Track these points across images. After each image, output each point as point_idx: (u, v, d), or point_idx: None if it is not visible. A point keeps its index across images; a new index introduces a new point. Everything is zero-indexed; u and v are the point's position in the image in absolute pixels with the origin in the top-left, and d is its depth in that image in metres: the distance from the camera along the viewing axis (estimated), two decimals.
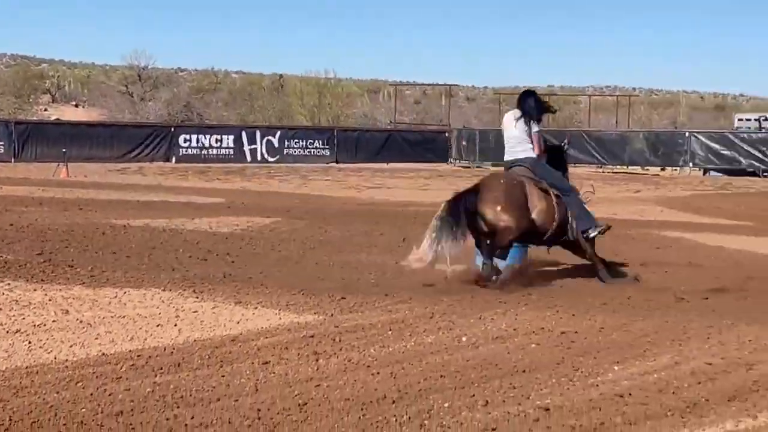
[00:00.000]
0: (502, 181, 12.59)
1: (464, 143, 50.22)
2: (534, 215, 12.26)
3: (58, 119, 58.17)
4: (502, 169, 13.43)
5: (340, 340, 8.52)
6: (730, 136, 45.06)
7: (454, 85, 76.54)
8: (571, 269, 13.28)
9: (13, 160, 40.26)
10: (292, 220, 19.09)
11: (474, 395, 6.86)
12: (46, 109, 72.56)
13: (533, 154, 12.80)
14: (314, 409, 6.47)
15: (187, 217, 18.94)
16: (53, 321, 9.07)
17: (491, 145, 48.05)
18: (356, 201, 25.42)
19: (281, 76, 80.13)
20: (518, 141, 12.89)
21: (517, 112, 12.93)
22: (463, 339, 8.71)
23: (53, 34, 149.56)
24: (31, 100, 68.97)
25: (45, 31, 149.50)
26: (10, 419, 6.08)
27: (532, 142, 12.83)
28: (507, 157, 13.03)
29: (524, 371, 7.60)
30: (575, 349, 8.42)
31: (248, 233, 16.86)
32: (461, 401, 6.71)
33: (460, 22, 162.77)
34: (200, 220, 18.63)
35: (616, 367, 7.79)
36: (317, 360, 7.81)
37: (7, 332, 8.54)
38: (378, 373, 7.45)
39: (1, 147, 40.79)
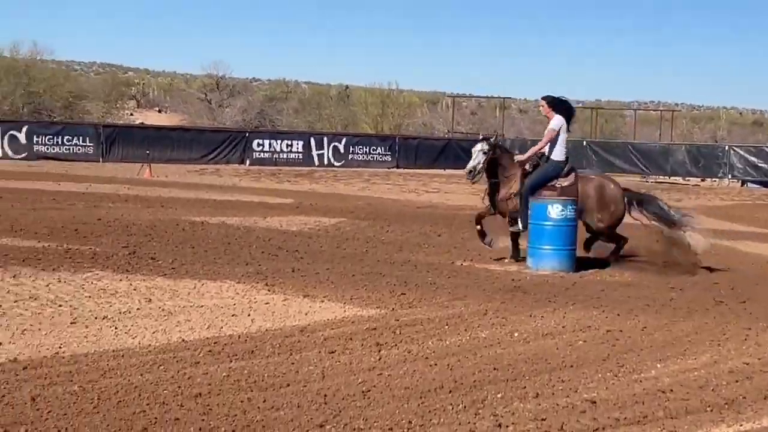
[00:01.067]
0: None
1: (517, 152, 49.99)
2: None
3: (142, 123, 58.63)
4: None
5: (400, 333, 8.53)
6: None
7: (508, 97, 76.31)
8: (616, 272, 13.20)
9: (101, 160, 40.58)
10: (355, 220, 19.10)
11: (525, 387, 6.84)
12: (131, 114, 73.20)
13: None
14: (377, 396, 6.48)
15: (260, 216, 19.02)
16: (137, 309, 9.18)
17: None
18: (415, 204, 25.38)
19: (347, 87, 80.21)
20: None
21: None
22: (515, 335, 8.69)
23: (139, 44, 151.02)
24: (118, 105, 69.47)
25: (132, 42, 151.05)
26: (99, 398, 6.14)
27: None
28: (565, 156, 14.10)
29: (572, 366, 7.57)
30: (619, 346, 8.37)
31: (315, 232, 16.91)
32: (513, 392, 6.70)
33: (515, 40, 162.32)
34: (272, 218, 18.70)
35: (658, 365, 7.73)
36: (379, 351, 7.83)
37: (96, 318, 8.64)
38: (435, 364, 7.45)
39: (91, 148, 41.13)
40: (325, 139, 46.67)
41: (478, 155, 14.12)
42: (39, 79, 57.60)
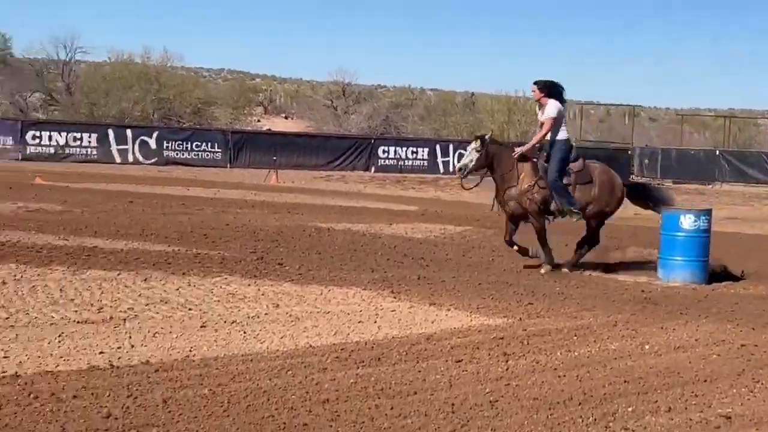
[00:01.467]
0: None
1: (646, 161, 49.29)
2: None
3: (269, 129, 59.32)
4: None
5: (528, 343, 8.48)
6: None
7: (638, 105, 75.24)
8: (750, 285, 12.90)
9: (228, 165, 41.32)
10: (481, 228, 19.03)
11: (657, 401, 6.73)
12: (259, 120, 74.17)
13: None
14: (505, 406, 6.45)
15: (385, 223, 19.10)
16: (265, 314, 9.31)
17: (672, 163, 47.09)
18: None
19: (473, 93, 79.90)
20: None
21: None
22: (646, 347, 8.56)
23: (267, 52, 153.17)
24: (246, 111, 70.51)
25: (259, 49, 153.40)
26: (228, 402, 6.23)
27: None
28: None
29: (705, 380, 7.42)
30: (755, 361, 8.17)
31: (441, 240, 16.92)
32: (644, 406, 6.59)
33: (645, 47, 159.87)
34: (397, 225, 18.76)
35: None
36: (507, 360, 7.79)
37: (225, 322, 8.79)
38: (564, 375, 7.38)
39: (219, 153, 41.93)
40: (451, 146, 46.71)
41: (470, 153, 14.00)
42: (169, 85, 58.88)
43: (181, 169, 38.00)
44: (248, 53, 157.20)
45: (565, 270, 13.56)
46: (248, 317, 9.08)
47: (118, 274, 11.00)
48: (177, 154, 41.12)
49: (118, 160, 39.81)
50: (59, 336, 7.91)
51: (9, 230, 14.37)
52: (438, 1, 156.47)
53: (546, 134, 13.79)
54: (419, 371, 7.31)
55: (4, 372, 6.72)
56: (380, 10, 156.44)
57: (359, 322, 9.15)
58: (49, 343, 7.66)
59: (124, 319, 8.67)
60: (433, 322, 9.30)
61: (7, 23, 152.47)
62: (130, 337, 8.00)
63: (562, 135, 13.76)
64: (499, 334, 8.78)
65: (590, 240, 14.16)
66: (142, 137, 40.87)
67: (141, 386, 6.50)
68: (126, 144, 40.47)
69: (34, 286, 10.02)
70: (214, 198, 23.84)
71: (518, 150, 13.99)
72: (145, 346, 7.76)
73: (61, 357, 7.25)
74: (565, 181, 13.64)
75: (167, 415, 5.91)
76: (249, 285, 10.84)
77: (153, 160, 40.13)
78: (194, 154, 41.51)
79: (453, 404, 6.42)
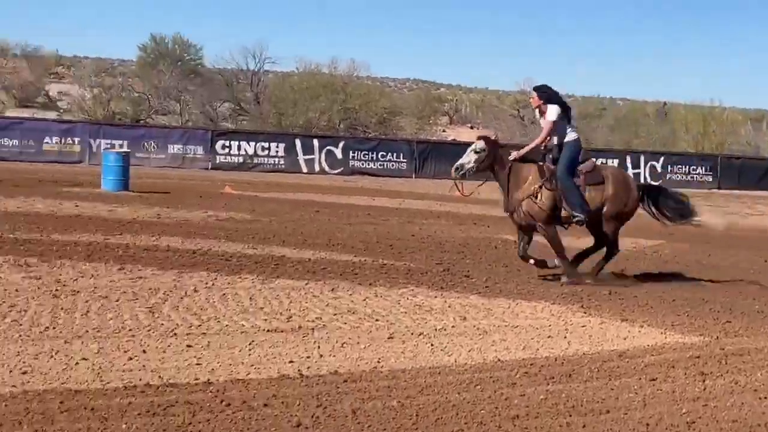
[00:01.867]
0: None
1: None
2: None
3: (454, 139, 59.46)
4: None
5: (726, 363, 8.27)
6: None
7: None
8: None
9: (413, 175, 41.63)
10: (674, 243, 18.64)
11: None
12: (444, 130, 74.36)
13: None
14: (702, 427, 6.30)
15: (573, 236, 18.86)
16: (452, 326, 9.34)
17: None
18: (739, 227, 24.48)
19: (665, 103, 78.39)
20: None
21: None
22: None
23: (452, 61, 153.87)
24: (431, 121, 70.86)
25: (445, 58, 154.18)
26: (417, 415, 6.27)
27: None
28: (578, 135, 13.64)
29: None
30: None
31: (632, 254, 16.63)
32: None
33: None
34: (586, 239, 18.47)
35: None
36: (704, 380, 7.61)
37: (412, 334, 8.86)
38: (765, 397, 7.17)
39: (404, 164, 42.32)
40: (642, 158, 46.02)
41: (469, 154, 13.34)
42: (355, 95, 59.59)
43: (366, 179, 38.47)
44: (434, 63, 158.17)
45: (588, 281, 12.94)
46: (435, 329, 9.13)
47: (306, 284, 11.23)
48: (362, 164, 41.69)
49: (304, 169, 40.63)
50: (250, 344, 8.12)
51: (200, 238, 14.85)
52: (632, 7, 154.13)
53: (546, 138, 13.26)
54: (612, 389, 7.21)
55: (196, 379, 6.93)
56: (568, 19, 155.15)
57: (548, 336, 9.08)
58: (239, 351, 7.87)
59: (313, 329, 8.83)
60: (625, 339, 9.16)
61: (198, 34, 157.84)
62: (319, 347, 8.14)
63: (571, 136, 13.29)
64: (695, 353, 8.59)
65: (611, 247, 13.64)
66: (329, 147, 41.60)
67: (330, 396, 6.60)
68: (312, 154, 41.27)
69: (224, 294, 10.32)
70: (399, 208, 24.06)
71: (514, 153, 13.41)
72: (334, 356, 7.89)
73: (252, 365, 7.44)
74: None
75: (356, 426, 5.98)
76: (436, 297, 10.91)
77: (339, 170, 40.79)
78: (379, 164, 41.99)
79: (647, 424, 6.31)
